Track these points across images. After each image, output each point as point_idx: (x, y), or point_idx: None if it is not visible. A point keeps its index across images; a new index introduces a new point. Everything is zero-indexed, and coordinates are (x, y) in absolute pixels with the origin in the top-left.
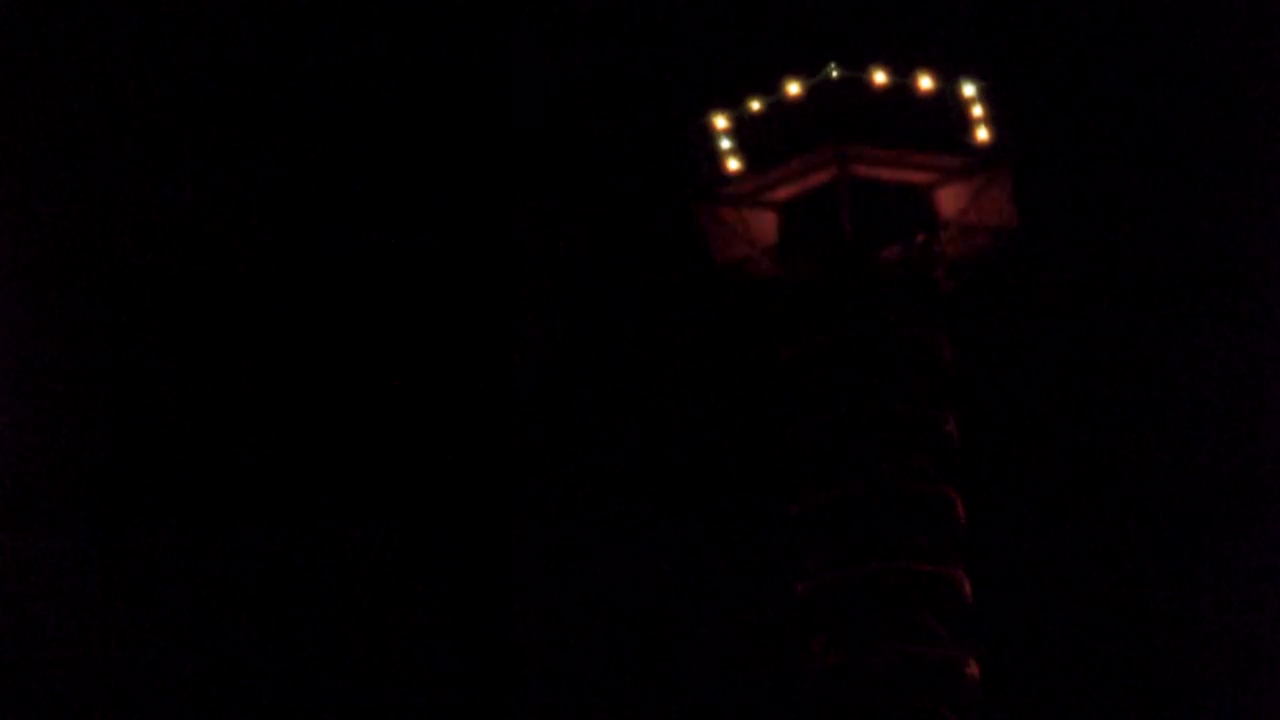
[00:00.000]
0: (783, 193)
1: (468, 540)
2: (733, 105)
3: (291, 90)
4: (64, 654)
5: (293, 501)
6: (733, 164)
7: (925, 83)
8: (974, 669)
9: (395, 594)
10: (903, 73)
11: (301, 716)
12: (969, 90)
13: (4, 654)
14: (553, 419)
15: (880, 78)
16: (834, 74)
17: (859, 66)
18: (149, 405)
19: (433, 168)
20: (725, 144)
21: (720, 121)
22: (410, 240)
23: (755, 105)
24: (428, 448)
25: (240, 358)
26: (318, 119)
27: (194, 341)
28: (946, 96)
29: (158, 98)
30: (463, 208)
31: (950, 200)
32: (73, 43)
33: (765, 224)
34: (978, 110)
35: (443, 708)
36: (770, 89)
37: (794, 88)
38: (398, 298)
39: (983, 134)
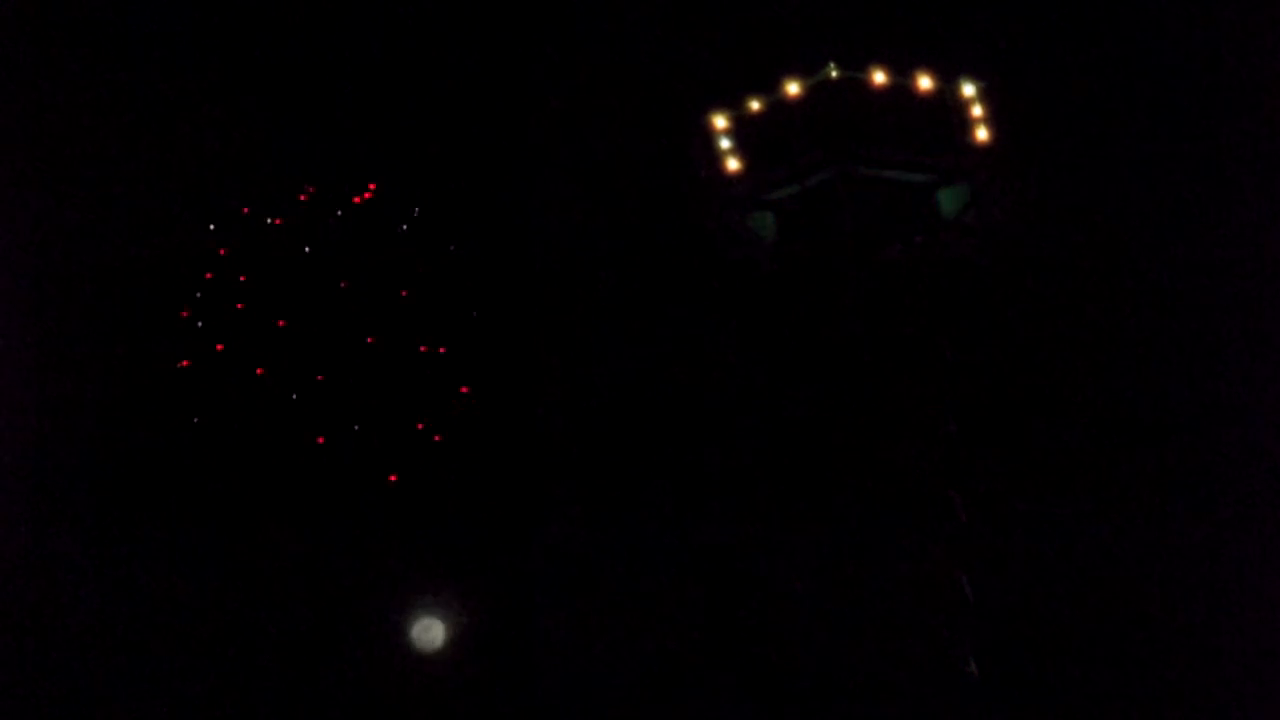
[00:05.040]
0: (783, 192)
1: (467, 538)
2: (733, 105)
3: (297, 86)
4: (62, 653)
5: (302, 501)
6: (732, 164)
7: (925, 83)
8: (974, 669)
9: (410, 596)
10: (903, 73)
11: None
12: (969, 90)
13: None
14: (549, 418)
15: (880, 78)
16: (834, 74)
17: (859, 66)
18: (157, 402)
19: (434, 170)
20: (725, 144)
21: (720, 121)
22: (416, 239)
23: (755, 105)
24: (433, 446)
25: (247, 353)
26: (321, 120)
27: (200, 338)
28: (946, 97)
29: (159, 93)
30: (465, 209)
31: (950, 200)
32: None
33: (765, 224)
34: (977, 110)
35: (457, 708)
36: (770, 89)
37: (794, 88)
38: (406, 297)
39: (983, 134)
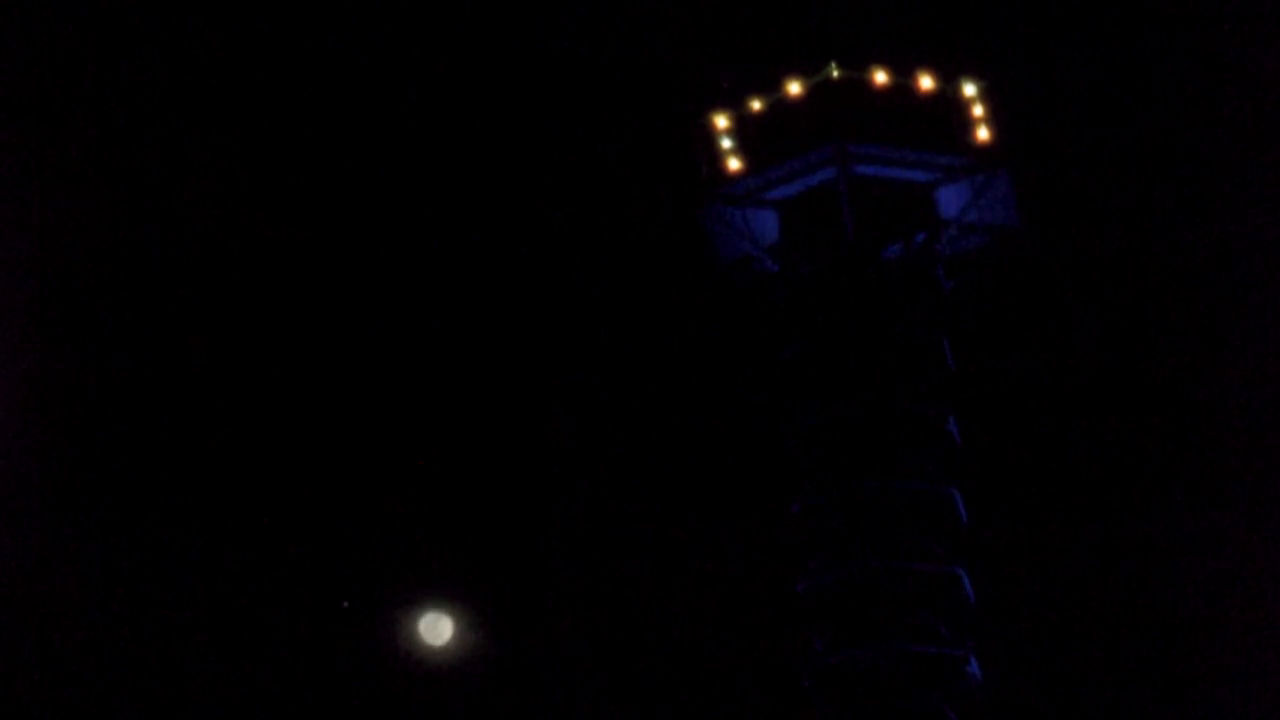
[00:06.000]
0: (783, 192)
1: (473, 536)
2: (733, 105)
3: (291, 90)
4: (62, 653)
5: (304, 500)
6: (733, 164)
7: (925, 83)
8: (974, 669)
9: (414, 598)
10: (903, 73)
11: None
12: (969, 90)
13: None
14: (548, 419)
15: (880, 77)
16: (834, 74)
17: (859, 66)
18: (175, 400)
19: (438, 172)
20: (726, 144)
21: (721, 121)
22: (422, 242)
23: (756, 105)
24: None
25: (260, 354)
26: (320, 123)
27: (213, 338)
28: (947, 96)
29: (164, 92)
30: (469, 213)
31: (951, 200)
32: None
33: (766, 223)
34: (978, 110)
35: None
36: (770, 89)
37: (794, 87)
38: (410, 301)
39: (983, 134)
